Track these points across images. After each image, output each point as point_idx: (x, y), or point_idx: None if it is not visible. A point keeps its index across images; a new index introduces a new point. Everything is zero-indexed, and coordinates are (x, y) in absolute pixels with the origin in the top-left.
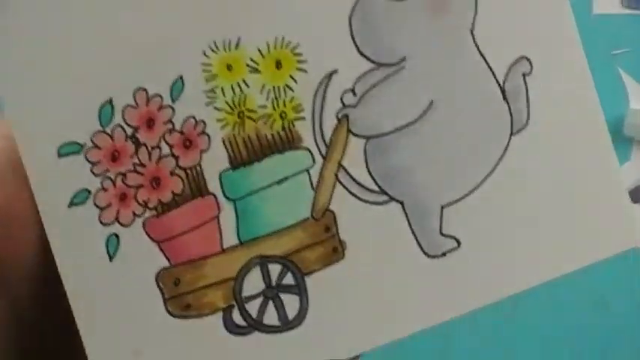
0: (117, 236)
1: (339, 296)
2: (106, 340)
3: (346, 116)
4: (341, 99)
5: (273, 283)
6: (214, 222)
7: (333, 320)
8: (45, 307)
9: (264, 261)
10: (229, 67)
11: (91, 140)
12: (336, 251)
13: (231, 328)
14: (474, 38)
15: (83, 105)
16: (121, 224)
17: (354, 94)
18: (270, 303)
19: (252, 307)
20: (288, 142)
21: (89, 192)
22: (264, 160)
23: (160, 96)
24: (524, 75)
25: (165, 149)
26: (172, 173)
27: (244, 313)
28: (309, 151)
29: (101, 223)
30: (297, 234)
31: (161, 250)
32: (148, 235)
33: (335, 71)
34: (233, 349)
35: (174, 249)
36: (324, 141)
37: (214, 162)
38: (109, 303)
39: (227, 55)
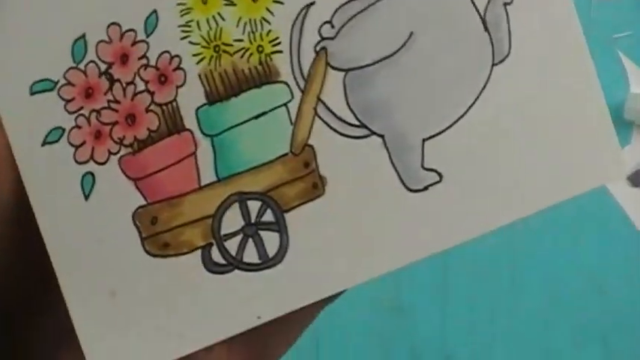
0: (92, 175)
1: (320, 233)
2: (82, 280)
3: (324, 49)
4: (319, 31)
5: (253, 220)
6: (191, 159)
7: (314, 257)
8: (20, 249)
9: (242, 197)
10: (204, 1)
11: (64, 77)
12: (316, 187)
13: (210, 266)
14: None
15: (56, 41)
16: (97, 162)
17: (333, 26)
18: (250, 240)
19: (232, 245)
20: (265, 76)
21: (63, 130)
22: (242, 95)
23: (134, 31)
24: (505, 4)
25: (140, 85)
26: (148, 110)
27: (223, 251)
28: (287, 85)
29: (76, 161)
30: (276, 170)
31: (137, 188)
32: (124, 173)
33: (312, 3)
34: (212, 287)
35: (150, 187)
36: (302, 75)
37: (190, 97)
38: (84, 243)
39: None
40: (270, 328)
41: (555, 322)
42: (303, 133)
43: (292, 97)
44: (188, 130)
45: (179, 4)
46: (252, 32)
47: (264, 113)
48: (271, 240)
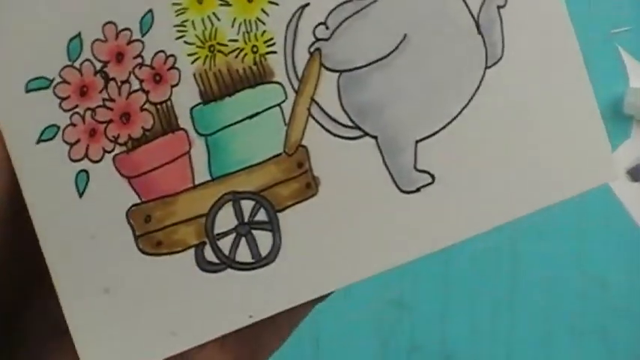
0: (86, 172)
1: (313, 232)
2: (75, 277)
3: (319, 50)
4: (313, 32)
5: (246, 219)
6: (185, 158)
7: (307, 257)
8: (13, 247)
9: (236, 197)
10: (200, 0)
11: (60, 75)
12: (309, 187)
13: (203, 265)
14: None
15: (51, 39)
16: (91, 160)
17: (327, 27)
18: (243, 240)
19: (225, 244)
20: (259, 76)
21: (58, 128)
22: (236, 95)
23: (130, 30)
24: (498, 7)
25: (135, 84)
26: (142, 108)
27: (216, 250)
28: (281, 86)
29: (70, 159)
30: (269, 169)
31: (131, 186)
32: (119, 171)
33: (307, 4)
34: (205, 286)
35: (144, 185)
36: (296, 75)
37: (185, 97)
38: (78, 240)
39: None
40: (262, 325)
41: (556, 317)
42: (296, 134)
43: (286, 97)
44: (182, 129)
45: (174, 4)
46: (247, 32)
47: (258, 113)
48: (264, 239)
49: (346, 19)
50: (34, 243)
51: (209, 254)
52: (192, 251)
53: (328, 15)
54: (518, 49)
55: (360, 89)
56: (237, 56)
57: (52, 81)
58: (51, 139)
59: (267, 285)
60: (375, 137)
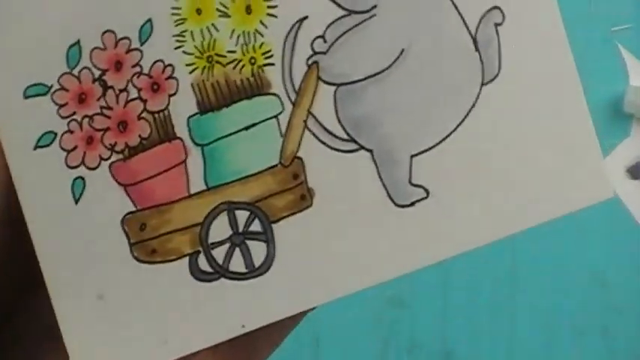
0: (83, 179)
1: (307, 244)
2: (70, 283)
3: (316, 63)
4: (311, 45)
5: (240, 229)
6: (181, 167)
7: (300, 268)
8: (8, 251)
9: (231, 207)
10: (199, 11)
11: (58, 82)
12: (304, 199)
13: (197, 274)
14: None
15: (50, 46)
16: (88, 167)
17: (325, 40)
18: (237, 249)
19: (219, 254)
20: (257, 87)
21: (55, 134)
22: (233, 106)
23: (129, 39)
24: (496, 25)
25: (133, 93)
26: (140, 117)
27: (210, 259)
28: (279, 98)
29: (67, 165)
30: (265, 180)
31: (127, 194)
32: (115, 179)
33: (305, 17)
34: (198, 295)
35: (140, 193)
36: (293, 87)
37: (182, 106)
38: (73, 247)
39: None
40: (255, 331)
41: (556, 315)
42: (292, 146)
43: (283, 109)
44: (179, 138)
45: (174, 14)
46: (245, 44)
47: (254, 124)
48: (258, 250)
49: (344, 32)
50: (30, 247)
51: (203, 263)
52: (186, 260)
53: (326, 28)
54: (515, 67)
55: (356, 103)
56: (235, 67)
57: (50, 87)
58: (48, 145)
59: (261, 295)
60: (371, 151)
